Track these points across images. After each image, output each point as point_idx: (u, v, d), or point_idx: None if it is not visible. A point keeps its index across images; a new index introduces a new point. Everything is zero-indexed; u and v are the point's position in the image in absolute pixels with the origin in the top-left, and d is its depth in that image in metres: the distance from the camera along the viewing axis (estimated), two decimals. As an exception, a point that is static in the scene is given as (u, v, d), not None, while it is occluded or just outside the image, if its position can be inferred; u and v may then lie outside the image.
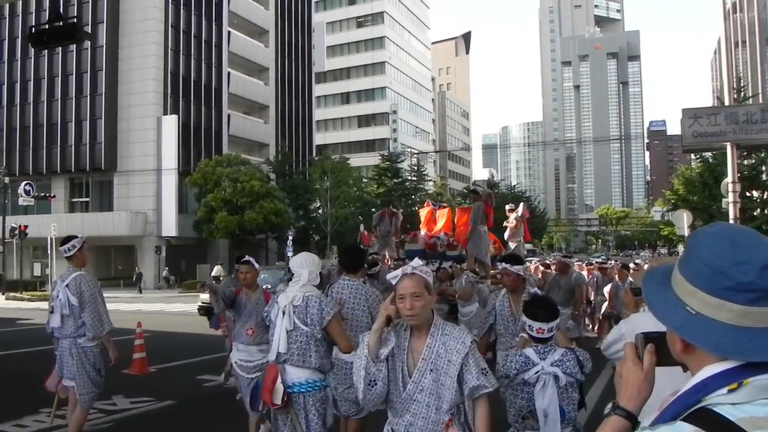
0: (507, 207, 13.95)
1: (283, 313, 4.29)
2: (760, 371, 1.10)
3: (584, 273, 14.51)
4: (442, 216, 13.84)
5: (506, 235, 13.38)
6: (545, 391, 3.67)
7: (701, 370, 1.15)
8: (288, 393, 4.19)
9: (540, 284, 12.45)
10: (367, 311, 4.88)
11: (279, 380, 4.20)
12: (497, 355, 5.07)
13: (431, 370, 2.92)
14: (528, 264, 14.09)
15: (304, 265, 4.48)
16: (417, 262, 3.06)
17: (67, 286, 5.74)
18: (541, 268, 15.47)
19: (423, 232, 13.23)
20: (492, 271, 11.23)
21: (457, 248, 12.49)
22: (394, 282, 2.99)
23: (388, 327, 3.01)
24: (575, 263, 16.90)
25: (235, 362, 5.84)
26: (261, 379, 4.46)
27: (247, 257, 6.14)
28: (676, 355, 1.23)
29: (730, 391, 1.08)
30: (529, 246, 21.07)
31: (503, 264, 5.39)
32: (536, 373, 3.70)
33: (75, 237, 5.91)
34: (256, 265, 6.15)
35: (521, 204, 13.84)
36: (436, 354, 2.93)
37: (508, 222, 13.18)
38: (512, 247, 12.86)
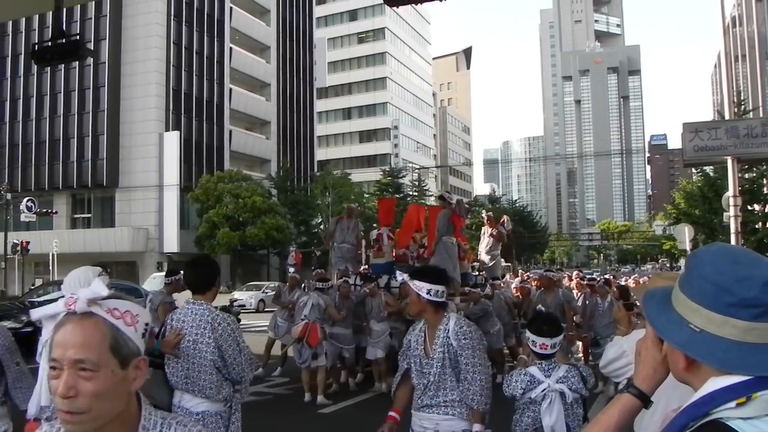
0: (485, 214, 12.72)
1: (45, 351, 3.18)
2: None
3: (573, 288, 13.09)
4: (415, 214, 12.63)
5: (483, 245, 12.20)
6: (552, 408, 3.65)
7: (707, 383, 1.15)
8: None
9: (517, 302, 11.47)
10: (213, 344, 3.65)
11: None
12: (413, 416, 3.72)
13: None
14: (500, 282, 12.73)
15: (74, 285, 3.31)
16: (98, 286, 1.35)
17: None
18: (518, 284, 13.58)
19: (384, 233, 12.02)
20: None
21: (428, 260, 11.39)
22: (52, 327, 1.43)
23: None
24: (565, 276, 15.77)
25: None
26: None
27: None
28: (678, 373, 1.23)
29: (739, 405, 1.08)
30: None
31: (405, 277, 3.81)
32: (543, 390, 3.68)
33: None
34: None
35: (505, 217, 12.74)
36: None
37: (490, 231, 11.90)
38: (487, 261, 12.01)
